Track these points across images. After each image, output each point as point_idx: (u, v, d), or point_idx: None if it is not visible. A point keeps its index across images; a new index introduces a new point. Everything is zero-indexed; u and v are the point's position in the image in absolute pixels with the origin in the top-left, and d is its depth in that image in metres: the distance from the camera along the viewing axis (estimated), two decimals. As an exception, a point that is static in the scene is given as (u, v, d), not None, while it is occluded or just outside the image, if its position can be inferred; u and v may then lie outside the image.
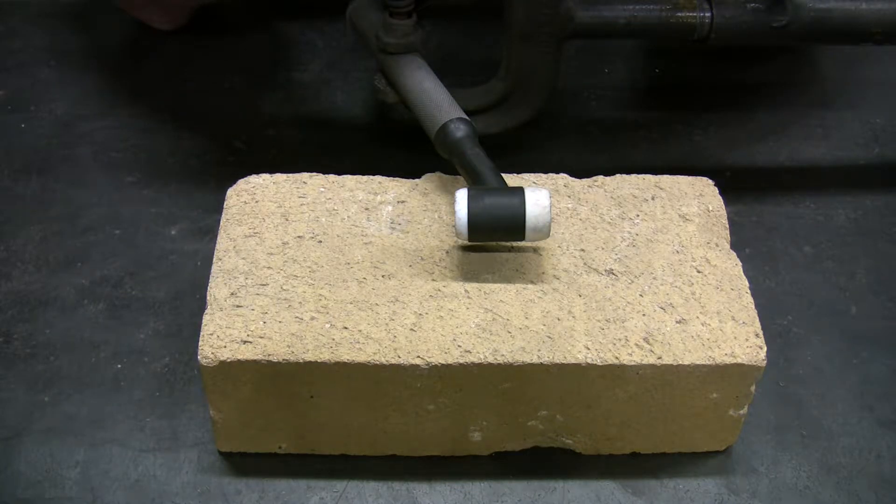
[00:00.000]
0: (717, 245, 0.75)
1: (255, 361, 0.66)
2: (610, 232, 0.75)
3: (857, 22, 0.88)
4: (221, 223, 0.75)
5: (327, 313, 0.69)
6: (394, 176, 0.79)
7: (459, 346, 0.67)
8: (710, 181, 0.80)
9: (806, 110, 1.05)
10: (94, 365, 0.79)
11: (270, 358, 0.66)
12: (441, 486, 0.73)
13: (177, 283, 0.85)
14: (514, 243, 0.73)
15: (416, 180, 0.79)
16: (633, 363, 0.67)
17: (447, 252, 0.73)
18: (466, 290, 0.70)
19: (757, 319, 0.70)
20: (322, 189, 0.77)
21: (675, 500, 0.73)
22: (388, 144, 0.99)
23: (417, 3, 0.86)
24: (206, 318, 0.68)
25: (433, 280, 0.71)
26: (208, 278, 0.71)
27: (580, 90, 1.06)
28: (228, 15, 1.12)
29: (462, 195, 0.69)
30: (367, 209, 0.76)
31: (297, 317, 0.68)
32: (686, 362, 0.67)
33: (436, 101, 0.81)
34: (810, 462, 0.75)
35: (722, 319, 0.70)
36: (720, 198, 0.78)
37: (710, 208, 0.77)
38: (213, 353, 0.66)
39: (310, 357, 0.66)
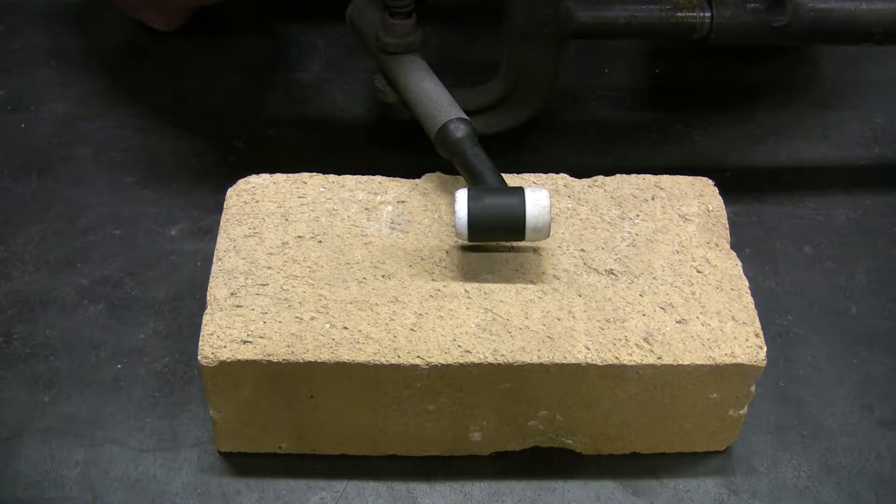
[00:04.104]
0: (717, 245, 0.75)
1: (255, 361, 0.66)
2: (610, 232, 0.75)
3: (857, 22, 0.88)
4: (221, 223, 0.75)
5: (327, 313, 0.69)
6: (394, 176, 0.79)
7: (459, 346, 0.67)
8: (710, 181, 0.80)
9: (806, 110, 1.05)
10: (94, 365, 0.79)
11: (270, 358, 0.66)
12: (441, 486, 0.73)
13: (177, 283, 0.85)
14: (514, 243, 0.73)
15: (416, 180, 0.79)
16: (633, 363, 0.67)
17: (447, 252, 0.73)
18: (466, 290, 0.71)
19: (757, 319, 0.70)
20: (322, 189, 0.77)
21: (675, 500, 0.73)
22: (388, 144, 0.99)
23: (417, 3, 0.86)
24: (206, 318, 0.68)
25: (433, 280, 0.71)
26: (208, 278, 0.71)
27: (580, 90, 1.06)
28: (228, 15, 1.12)
29: (462, 195, 0.69)
30: (367, 209, 0.76)
31: (297, 317, 0.68)
32: (686, 362, 0.67)
33: (436, 101, 0.81)
34: (810, 462, 0.75)
35: (722, 319, 0.70)
36: (720, 198, 0.78)
37: (710, 208, 0.77)
38: (213, 353, 0.66)
39: (310, 357, 0.66)
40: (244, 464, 0.73)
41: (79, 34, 1.10)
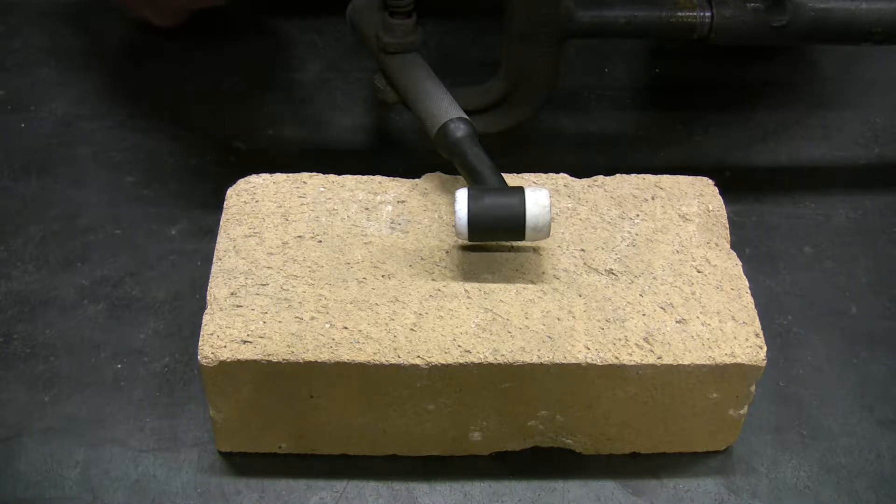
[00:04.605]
0: (717, 245, 0.75)
1: (255, 361, 0.66)
2: (610, 232, 0.75)
3: (857, 22, 0.88)
4: (221, 223, 0.75)
5: (327, 313, 0.69)
6: (394, 176, 0.79)
7: (459, 346, 0.67)
8: (710, 181, 0.80)
9: (806, 110, 1.05)
10: (94, 365, 0.79)
11: (270, 358, 0.66)
12: (441, 486, 0.73)
13: (177, 283, 0.85)
14: (514, 243, 0.73)
15: (416, 180, 0.79)
16: (633, 363, 0.67)
17: (447, 252, 0.73)
18: (466, 290, 0.71)
19: (757, 319, 0.70)
20: (322, 189, 0.77)
21: (675, 500, 0.73)
22: (388, 144, 0.99)
23: (417, 3, 0.86)
24: (206, 318, 0.68)
25: (433, 280, 0.71)
26: (208, 278, 0.71)
27: (580, 90, 1.06)
28: (228, 15, 1.12)
29: (462, 195, 0.69)
30: (367, 209, 0.76)
31: (297, 317, 0.68)
32: (686, 362, 0.67)
33: (436, 100, 0.81)
34: (810, 462, 0.75)
35: (722, 319, 0.70)
36: (720, 198, 0.78)
37: (710, 208, 0.77)
38: (213, 353, 0.66)
39: (310, 357, 0.66)
40: (244, 464, 0.73)
41: (79, 34, 1.10)
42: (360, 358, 0.66)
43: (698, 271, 0.73)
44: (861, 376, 0.81)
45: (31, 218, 0.90)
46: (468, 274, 0.72)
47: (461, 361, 0.67)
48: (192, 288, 0.84)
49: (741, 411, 0.72)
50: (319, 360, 0.66)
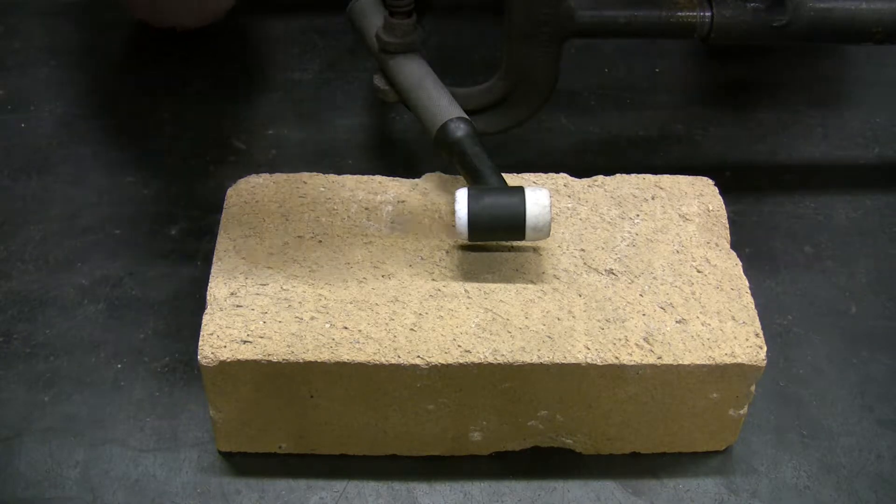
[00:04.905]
0: (717, 245, 0.75)
1: (255, 361, 0.66)
2: (610, 232, 0.75)
3: (857, 21, 0.87)
4: (221, 223, 0.75)
5: (327, 313, 0.69)
6: (394, 176, 0.79)
7: (459, 346, 0.67)
8: (710, 181, 0.80)
9: (806, 110, 1.05)
10: (94, 365, 0.79)
11: (270, 358, 0.66)
12: (441, 486, 0.73)
13: (177, 283, 0.85)
14: (514, 243, 0.73)
15: (416, 180, 0.79)
16: (633, 363, 0.67)
17: (447, 252, 0.73)
18: (466, 290, 0.71)
19: (757, 319, 0.70)
20: (322, 189, 0.77)
21: (675, 500, 0.73)
22: (388, 144, 0.99)
23: (417, 2, 0.86)
24: (206, 318, 0.68)
25: (433, 280, 0.71)
26: (208, 278, 0.71)
27: (580, 90, 1.06)
28: (228, 15, 1.12)
29: (462, 195, 0.69)
30: (367, 209, 0.76)
31: (297, 317, 0.68)
32: (686, 362, 0.67)
33: (436, 100, 0.81)
34: (810, 462, 0.75)
35: (722, 319, 0.70)
36: (720, 198, 0.78)
37: (710, 208, 0.77)
38: (213, 353, 0.66)
39: (310, 357, 0.66)
40: (244, 464, 0.73)
41: (79, 33, 1.10)
42: (360, 358, 0.66)
43: (698, 271, 0.73)
44: (861, 376, 0.81)
45: (31, 218, 0.90)
46: (468, 274, 0.72)
47: (461, 361, 0.67)
48: (192, 288, 0.84)
49: (741, 411, 0.72)
50: (319, 360, 0.66)
